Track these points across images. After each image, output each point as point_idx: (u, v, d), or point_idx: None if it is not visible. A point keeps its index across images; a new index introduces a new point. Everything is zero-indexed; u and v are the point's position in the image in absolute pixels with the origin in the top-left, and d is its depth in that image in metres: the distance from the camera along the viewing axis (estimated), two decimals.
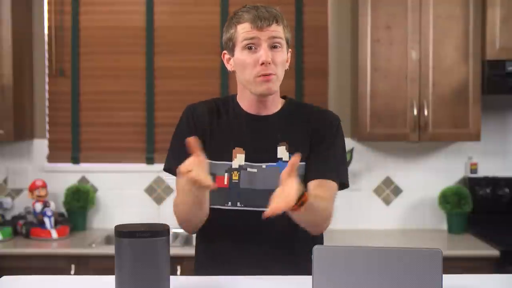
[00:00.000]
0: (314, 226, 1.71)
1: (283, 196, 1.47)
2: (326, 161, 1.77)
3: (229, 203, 1.76)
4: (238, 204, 1.76)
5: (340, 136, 1.82)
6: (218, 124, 1.81)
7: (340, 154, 1.81)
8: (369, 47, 3.25)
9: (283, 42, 1.74)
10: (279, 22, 1.73)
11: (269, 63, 1.70)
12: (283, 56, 1.75)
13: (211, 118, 1.82)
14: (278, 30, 1.72)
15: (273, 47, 1.72)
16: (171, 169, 1.79)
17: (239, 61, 1.74)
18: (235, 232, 1.76)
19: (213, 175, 1.77)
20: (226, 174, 1.76)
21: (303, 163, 1.76)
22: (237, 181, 1.76)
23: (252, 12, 1.71)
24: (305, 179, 1.76)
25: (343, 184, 1.80)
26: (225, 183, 1.76)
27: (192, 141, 1.52)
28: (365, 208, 3.56)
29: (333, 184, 1.76)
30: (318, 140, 1.79)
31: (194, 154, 1.51)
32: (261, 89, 1.73)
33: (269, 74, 1.71)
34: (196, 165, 1.50)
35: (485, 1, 3.19)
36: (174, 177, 1.78)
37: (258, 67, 1.71)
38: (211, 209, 1.78)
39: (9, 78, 3.30)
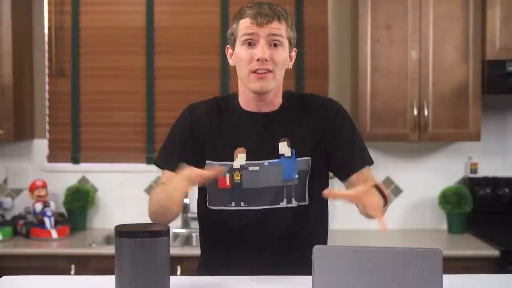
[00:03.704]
0: None
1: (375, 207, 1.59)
2: (353, 152, 1.81)
3: (233, 203, 1.76)
4: (242, 204, 1.75)
5: (347, 119, 1.82)
6: (218, 124, 1.80)
7: (357, 136, 1.84)
8: (369, 47, 3.24)
9: (284, 41, 1.72)
10: (281, 20, 1.71)
11: (266, 60, 1.68)
12: (284, 55, 1.73)
13: (211, 119, 1.80)
14: (279, 28, 1.70)
15: (273, 45, 1.70)
16: (158, 164, 1.83)
17: (237, 56, 1.74)
18: (239, 231, 1.76)
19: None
20: (228, 175, 1.75)
21: (308, 157, 1.76)
22: (239, 181, 1.75)
23: (255, 8, 1.70)
24: (338, 175, 1.83)
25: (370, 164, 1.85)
26: (227, 183, 1.75)
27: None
28: None
29: (369, 169, 1.85)
30: (331, 133, 1.79)
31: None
32: (255, 87, 1.71)
33: (264, 72, 1.69)
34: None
35: (485, 1, 3.19)
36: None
37: (253, 63, 1.69)
38: (214, 210, 1.78)
39: (9, 78, 3.30)
